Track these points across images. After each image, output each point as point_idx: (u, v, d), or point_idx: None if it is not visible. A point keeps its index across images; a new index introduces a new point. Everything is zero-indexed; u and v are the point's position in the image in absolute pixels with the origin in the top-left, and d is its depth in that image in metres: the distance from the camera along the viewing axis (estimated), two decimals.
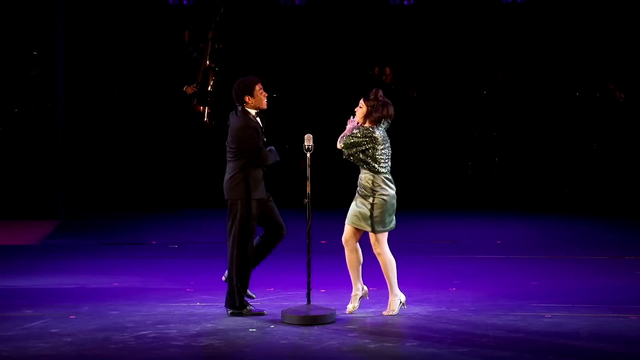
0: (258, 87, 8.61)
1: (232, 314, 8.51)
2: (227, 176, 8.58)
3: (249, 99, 8.57)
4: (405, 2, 16.79)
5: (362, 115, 8.55)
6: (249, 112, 8.57)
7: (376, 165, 8.46)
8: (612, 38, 16.59)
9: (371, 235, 8.54)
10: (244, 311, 8.52)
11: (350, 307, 8.67)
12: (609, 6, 16.57)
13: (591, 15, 16.66)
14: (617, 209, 15.75)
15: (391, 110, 8.60)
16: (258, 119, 8.63)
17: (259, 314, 8.55)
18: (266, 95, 8.65)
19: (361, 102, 8.57)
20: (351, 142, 8.48)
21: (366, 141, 8.46)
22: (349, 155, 8.54)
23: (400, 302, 8.60)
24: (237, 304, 8.50)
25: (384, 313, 8.55)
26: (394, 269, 8.55)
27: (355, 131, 8.50)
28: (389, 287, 8.59)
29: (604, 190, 16.23)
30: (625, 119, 16.16)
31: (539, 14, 16.91)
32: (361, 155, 8.49)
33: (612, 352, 7.36)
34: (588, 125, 16.56)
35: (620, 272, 10.76)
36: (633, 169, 15.82)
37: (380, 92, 8.58)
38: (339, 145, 8.58)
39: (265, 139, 8.67)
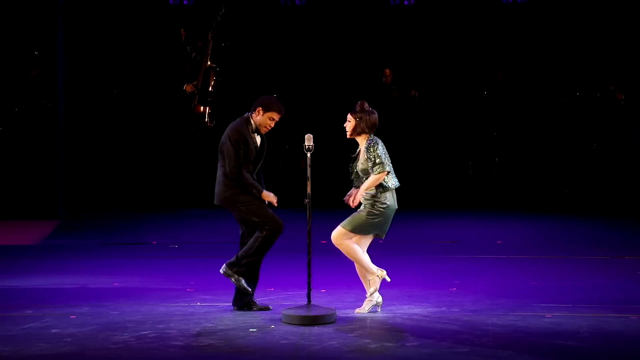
0: (274, 115, 8.58)
1: (225, 273, 8.55)
2: (218, 180, 8.59)
3: (259, 111, 8.58)
4: (405, 2, 16.79)
5: (352, 128, 8.58)
6: (250, 123, 8.58)
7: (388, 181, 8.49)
8: (613, 38, 16.59)
9: (339, 227, 8.54)
10: (234, 279, 8.53)
11: (372, 289, 8.70)
12: (609, 7, 16.57)
13: (592, 16, 16.66)
14: (617, 209, 15.76)
15: (375, 118, 8.60)
16: (256, 134, 8.60)
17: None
18: (272, 126, 8.64)
19: (349, 116, 8.60)
20: (385, 164, 8.46)
21: (384, 152, 8.47)
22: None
23: (379, 277, 8.60)
24: (237, 270, 8.51)
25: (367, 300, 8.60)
26: (356, 253, 8.52)
27: (370, 154, 8.46)
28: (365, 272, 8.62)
29: (604, 190, 16.24)
30: (626, 120, 16.17)
31: (539, 14, 16.92)
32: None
33: (612, 352, 7.36)
34: (588, 126, 16.57)
35: (620, 272, 10.77)
36: (633, 169, 15.82)
37: (366, 104, 8.61)
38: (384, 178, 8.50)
39: (260, 162, 8.63)
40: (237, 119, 8.67)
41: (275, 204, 8.57)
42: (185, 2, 16.66)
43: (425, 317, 8.48)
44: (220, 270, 8.62)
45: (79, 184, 16.38)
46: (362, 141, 8.60)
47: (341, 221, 8.62)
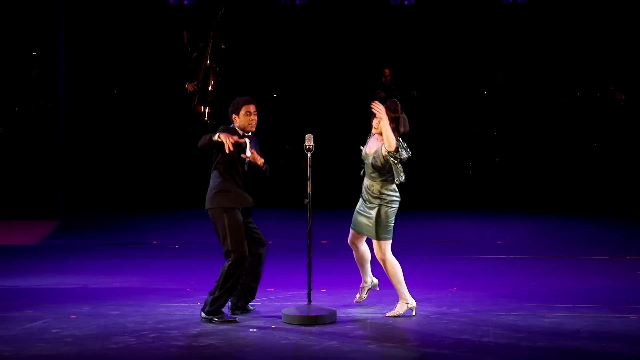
0: (244, 109, 8.50)
1: (204, 320, 8.40)
2: (210, 186, 8.58)
3: (235, 117, 8.54)
4: (406, 2, 16.79)
5: (379, 125, 8.45)
6: (236, 130, 8.51)
7: (401, 176, 8.46)
8: (613, 38, 16.60)
9: (375, 242, 8.54)
10: (216, 318, 8.38)
11: (357, 296, 8.87)
12: (609, 7, 16.57)
13: (592, 16, 16.67)
14: (617, 209, 15.76)
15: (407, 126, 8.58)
16: (247, 140, 8.50)
17: (231, 321, 8.39)
18: (255, 119, 8.54)
19: (383, 112, 8.41)
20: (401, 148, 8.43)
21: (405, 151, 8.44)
22: (387, 160, 8.46)
23: (408, 306, 8.55)
24: (209, 310, 8.40)
25: (388, 314, 8.55)
26: (399, 275, 8.52)
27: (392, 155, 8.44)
28: (398, 293, 8.56)
29: (605, 190, 16.24)
30: (626, 120, 16.17)
31: (540, 14, 16.92)
32: (397, 164, 8.45)
33: (612, 352, 7.36)
34: (589, 126, 16.57)
35: (620, 272, 10.77)
36: (633, 169, 15.82)
37: (399, 104, 8.54)
38: (393, 148, 8.43)
39: (247, 161, 8.51)
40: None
41: (228, 147, 8.23)
42: (185, 2, 16.66)
43: (425, 317, 8.48)
44: (201, 317, 8.47)
45: (79, 184, 16.38)
46: (380, 138, 8.53)
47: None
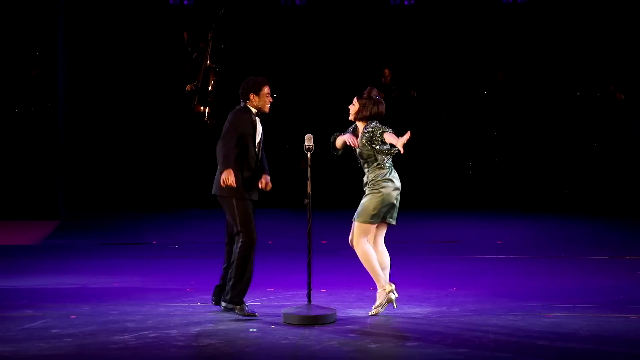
0: (266, 89, 8.65)
1: (225, 309, 8.46)
2: (218, 170, 8.58)
3: (253, 97, 8.60)
4: (405, 2, 16.80)
5: (355, 112, 8.57)
6: (250, 110, 8.57)
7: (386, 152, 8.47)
8: (613, 38, 16.60)
9: (354, 223, 8.51)
10: (237, 309, 8.45)
11: (377, 303, 8.64)
12: (609, 7, 16.58)
13: (592, 16, 16.67)
14: (617, 209, 15.76)
15: (382, 108, 8.57)
16: (257, 119, 8.60)
17: (251, 315, 8.42)
18: (271, 100, 8.65)
19: (354, 100, 8.60)
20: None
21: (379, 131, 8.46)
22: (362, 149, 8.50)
23: (385, 292, 8.47)
24: (231, 296, 8.43)
25: (370, 313, 8.55)
26: (371, 261, 8.44)
27: (374, 135, 8.46)
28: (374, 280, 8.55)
29: (605, 190, 16.24)
30: (626, 120, 16.17)
31: (539, 14, 16.93)
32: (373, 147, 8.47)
33: (612, 352, 7.36)
34: (588, 126, 16.57)
35: (620, 272, 10.77)
36: (633, 169, 15.83)
37: (375, 91, 8.59)
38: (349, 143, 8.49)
39: (261, 143, 8.60)
40: (234, 110, 8.61)
41: (231, 184, 8.33)
42: (185, 2, 16.67)
43: (425, 317, 8.47)
44: (221, 306, 8.53)
45: (79, 184, 16.38)
46: (360, 126, 8.59)
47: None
